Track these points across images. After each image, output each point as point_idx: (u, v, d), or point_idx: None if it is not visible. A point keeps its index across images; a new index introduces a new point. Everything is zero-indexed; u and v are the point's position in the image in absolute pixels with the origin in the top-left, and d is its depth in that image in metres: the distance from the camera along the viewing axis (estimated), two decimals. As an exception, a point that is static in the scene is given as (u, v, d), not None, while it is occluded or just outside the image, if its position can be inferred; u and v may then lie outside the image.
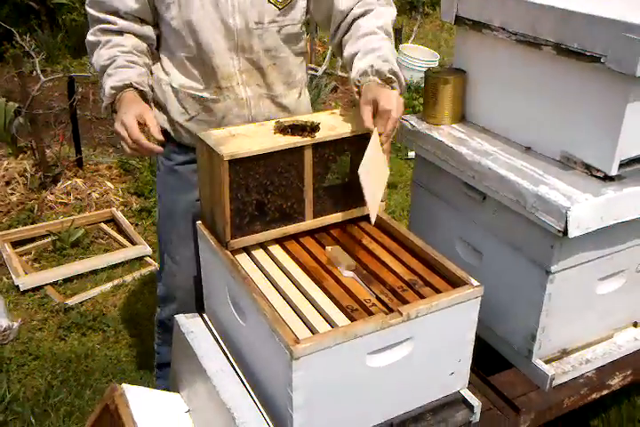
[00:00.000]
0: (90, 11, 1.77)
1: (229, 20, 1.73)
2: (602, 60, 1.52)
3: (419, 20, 6.37)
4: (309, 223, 1.70)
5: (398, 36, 6.22)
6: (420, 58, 5.06)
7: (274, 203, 1.63)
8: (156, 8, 1.77)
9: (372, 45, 1.68)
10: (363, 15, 1.76)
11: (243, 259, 1.65)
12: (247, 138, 1.58)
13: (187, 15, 1.72)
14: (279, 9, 1.76)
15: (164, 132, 1.77)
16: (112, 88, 1.69)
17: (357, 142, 1.66)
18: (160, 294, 2.18)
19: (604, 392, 1.88)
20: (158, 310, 2.21)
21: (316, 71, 5.36)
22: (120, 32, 1.77)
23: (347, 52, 1.75)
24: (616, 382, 1.88)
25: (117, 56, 1.73)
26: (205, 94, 1.83)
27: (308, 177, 1.63)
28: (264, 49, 1.80)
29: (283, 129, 1.62)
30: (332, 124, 1.66)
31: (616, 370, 1.88)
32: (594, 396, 1.85)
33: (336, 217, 1.74)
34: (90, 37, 1.78)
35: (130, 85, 1.70)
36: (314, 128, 1.62)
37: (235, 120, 1.84)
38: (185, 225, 2.01)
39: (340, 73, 5.59)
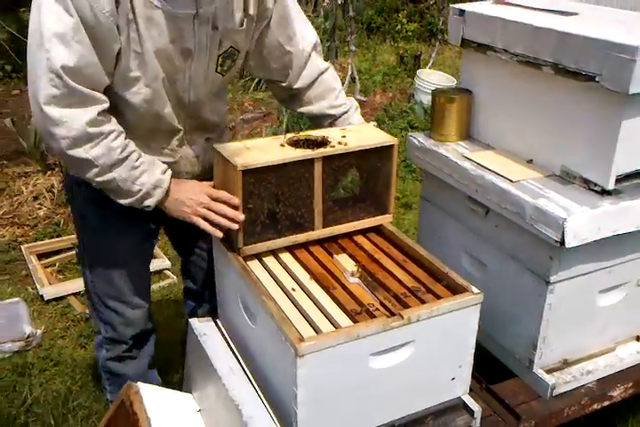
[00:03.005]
0: (75, 86, 1.49)
1: (184, 96, 1.72)
2: (597, 79, 1.60)
3: (437, 47, 6.48)
4: (319, 233, 1.78)
5: (416, 63, 6.35)
6: (437, 82, 5.16)
7: (285, 212, 1.71)
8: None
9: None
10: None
11: (254, 265, 1.73)
12: (261, 151, 1.67)
13: (149, 92, 1.63)
14: (223, 75, 1.77)
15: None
16: (161, 180, 1.65)
17: (366, 156, 1.75)
18: (107, 335, 2.03)
19: (605, 403, 1.91)
20: (104, 353, 2.08)
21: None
22: (108, 115, 1.59)
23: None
24: (617, 393, 1.91)
25: (128, 145, 1.62)
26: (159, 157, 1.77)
27: (317, 188, 1.71)
28: (210, 111, 1.84)
29: (295, 142, 1.72)
30: (343, 139, 1.75)
31: (617, 382, 1.92)
32: (595, 406, 1.89)
33: (346, 227, 1.82)
34: (90, 129, 1.52)
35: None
36: (325, 142, 1.72)
37: (185, 176, 1.85)
38: (135, 266, 1.96)
39: (358, 97, 5.71)
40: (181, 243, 2.17)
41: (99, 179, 1.60)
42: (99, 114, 1.54)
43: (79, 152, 1.54)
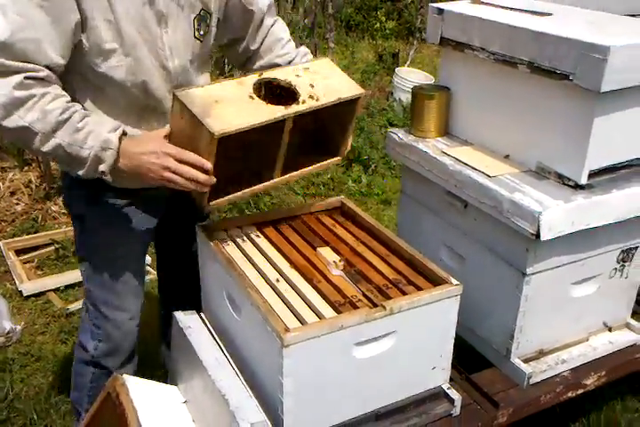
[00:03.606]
0: (9, 63, 1.41)
1: (168, 64, 1.66)
2: (570, 78, 1.65)
3: (415, 45, 6.54)
4: (278, 180, 1.75)
5: (395, 61, 6.40)
6: (415, 80, 5.22)
7: (249, 167, 1.69)
8: (78, 59, 1.55)
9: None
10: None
11: (239, 259, 1.76)
12: (232, 106, 1.55)
13: (130, 61, 1.58)
14: (201, 42, 1.73)
15: (91, 181, 1.64)
16: (108, 140, 1.50)
17: (333, 106, 1.70)
18: (102, 350, 1.95)
19: (580, 391, 1.97)
20: (91, 370, 1.99)
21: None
22: (46, 82, 1.48)
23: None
24: (591, 381, 1.98)
25: (70, 107, 1.49)
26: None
27: (284, 141, 1.65)
28: (194, 81, 1.78)
29: (264, 91, 1.62)
30: (312, 90, 1.67)
31: (591, 370, 1.98)
32: (569, 394, 1.95)
33: (300, 173, 1.80)
34: (17, 93, 1.42)
35: (124, 133, 1.55)
36: (295, 92, 1.64)
37: None
38: (133, 269, 1.91)
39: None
40: (167, 242, 2.13)
41: (44, 148, 1.47)
42: (26, 78, 1.42)
43: (14, 120, 1.43)
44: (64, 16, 1.45)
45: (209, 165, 1.50)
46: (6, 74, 1.41)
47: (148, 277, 3.32)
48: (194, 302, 2.02)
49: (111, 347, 1.94)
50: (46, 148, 1.47)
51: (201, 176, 1.51)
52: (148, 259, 3.44)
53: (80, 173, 1.53)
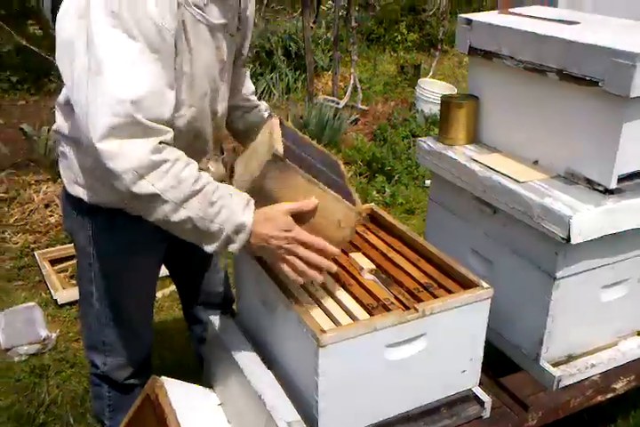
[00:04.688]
0: (140, 119, 1.34)
1: (218, 109, 1.69)
2: (599, 84, 1.68)
3: (437, 57, 6.59)
4: None
5: (417, 72, 6.46)
6: (437, 91, 5.26)
7: None
8: None
9: None
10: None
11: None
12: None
13: (194, 111, 1.58)
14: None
15: (109, 210, 1.66)
16: (243, 224, 1.44)
17: None
18: (111, 364, 1.92)
19: (609, 395, 1.98)
20: (105, 388, 1.97)
21: (338, 104, 5.58)
22: (172, 145, 1.43)
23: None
24: (620, 386, 1.99)
25: (202, 176, 1.43)
26: None
27: None
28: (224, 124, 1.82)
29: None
30: None
31: (620, 375, 1.99)
32: (599, 398, 1.96)
33: None
34: (153, 156, 1.35)
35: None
36: None
37: None
38: (145, 291, 1.91)
39: (360, 106, 5.80)
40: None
41: (173, 219, 1.40)
42: (160, 142, 1.38)
43: (144, 186, 1.35)
44: (171, 68, 1.44)
45: (335, 250, 1.51)
46: (145, 135, 1.35)
47: (169, 289, 3.41)
48: (216, 309, 2.08)
49: (121, 361, 1.93)
50: (175, 218, 1.40)
51: (324, 263, 1.51)
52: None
53: (207, 248, 1.48)
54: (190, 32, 1.48)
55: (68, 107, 1.58)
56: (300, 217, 1.48)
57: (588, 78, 1.71)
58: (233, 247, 1.47)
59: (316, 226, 1.50)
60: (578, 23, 1.94)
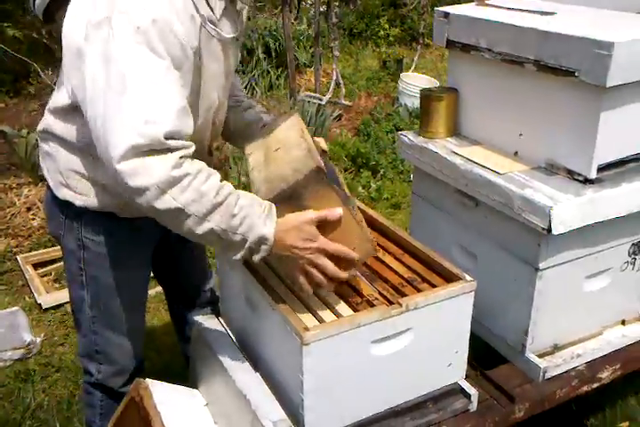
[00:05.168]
0: (164, 140, 1.33)
1: (216, 121, 1.71)
2: (576, 74, 1.68)
3: (418, 51, 6.59)
4: None
5: (399, 67, 6.45)
6: (420, 85, 5.26)
7: None
8: None
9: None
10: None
11: (257, 262, 1.78)
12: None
13: (199, 125, 1.59)
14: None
15: (97, 213, 1.67)
16: (265, 236, 1.43)
17: None
18: (105, 372, 1.92)
19: (595, 385, 1.98)
20: (98, 394, 1.97)
21: (321, 100, 5.56)
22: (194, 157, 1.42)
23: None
24: (606, 375, 1.99)
25: (223, 187, 1.41)
26: None
27: None
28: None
29: None
30: None
31: (606, 364, 2.00)
32: (585, 388, 1.96)
33: None
34: (174, 172, 1.33)
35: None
36: None
37: None
38: (137, 293, 1.89)
39: (343, 102, 5.79)
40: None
41: (198, 231, 1.40)
42: (181, 157, 1.36)
43: (167, 201, 1.34)
44: (188, 86, 1.46)
45: (355, 255, 1.51)
46: (166, 152, 1.34)
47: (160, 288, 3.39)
48: (202, 308, 2.07)
49: (115, 368, 1.93)
50: (199, 231, 1.40)
51: (342, 275, 1.52)
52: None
53: (232, 257, 1.48)
54: (204, 48, 1.48)
55: (66, 110, 1.58)
56: (321, 227, 1.48)
57: (564, 69, 1.71)
58: (256, 258, 1.47)
59: (333, 241, 1.50)
60: (554, 14, 1.94)
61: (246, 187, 3.05)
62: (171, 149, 1.34)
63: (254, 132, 1.81)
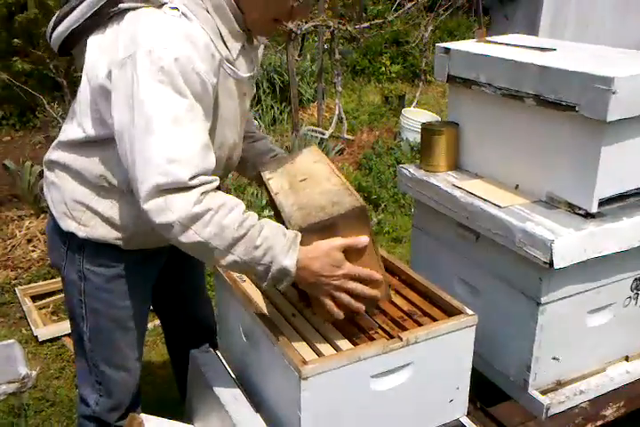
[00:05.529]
0: (187, 179, 1.36)
1: (232, 157, 1.71)
2: (576, 109, 1.69)
3: (420, 87, 6.66)
4: None
5: (401, 102, 6.51)
6: (422, 120, 5.30)
7: None
8: None
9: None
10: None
11: (256, 296, 1.76)
12: None
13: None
14: None
15: (99, 244, 1.67)
16: (286, 270, 1.43)
17: None
18: (103, 405, 1.88)
19: (599, 423, 1.95)
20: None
21: (324, 135, 5.60)
22: (217, 190, 1.45)
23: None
24: (610, 412, 1.96)
25: (246, 219, 1.42)
26: None
27: None
28: None
29: None
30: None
31: (609, 401, 1.96)
32: (589, 426, 1.93)
33: None
34: (195, 208, 1.36)
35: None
36: None
37: None
38: (138, 326, 1.84)
39: (346, 136, 5.83)
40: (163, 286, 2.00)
41: (222, 262, 1.43)
42: (202, 193, 1.38)
43: (191, 236, 1.37)
44: (209, 122, 1.48)
45: (379, 276, 1.53)
46: (186, 189, 1.37)
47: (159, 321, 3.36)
48: (201, 340, 2.05)
49: (113, 403, 1.90)
50: (224, 262, 1.43)
51: (371, 293, 1.53)
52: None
53: (262, 284, 1.50)
54: (221, 86, 1.51)
55: (78, 144, 1.60)
56: (347, 255, 1.50)
57: (564, 103, 1.72)
58: (281, 287, 1.49)
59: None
60: (554, 50, 1.96)
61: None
62: (193, 186, 1.37)
63: (265, 162, 1.85)
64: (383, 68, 7.58)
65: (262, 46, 1.78)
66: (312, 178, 1.64)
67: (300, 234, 1.46)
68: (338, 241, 1.47)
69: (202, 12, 1.47)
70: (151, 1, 1.44)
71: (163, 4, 1.44)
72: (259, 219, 1.45)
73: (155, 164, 1.35)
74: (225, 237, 1.39)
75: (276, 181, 1.70)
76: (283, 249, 1.42)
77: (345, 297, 1.50)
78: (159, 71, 1.35)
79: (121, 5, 1.47)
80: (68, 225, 1.67)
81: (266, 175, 1.75)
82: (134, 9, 1.46)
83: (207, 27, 1.47)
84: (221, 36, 1.51)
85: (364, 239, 1.49)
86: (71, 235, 1.68)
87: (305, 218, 1.50)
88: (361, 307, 1.54)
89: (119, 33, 1.45)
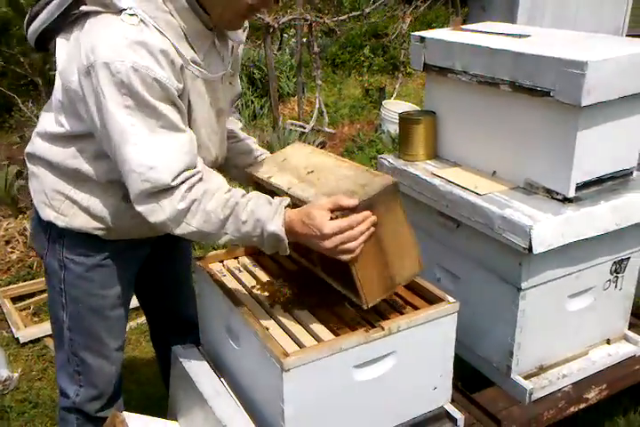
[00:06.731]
0: (169, 182, 1.45)
1: (215, 156, 1.73)
2: (551, 94, 1.70)
3: (400, 79, 6.66)
4: None
5: (382, 94, 6.51)
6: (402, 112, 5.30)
7: None
8: None
9: None
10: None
11: (236, 290, 1.76)
12: None
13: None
14: None
15: (79, 234, 1.69)
16: (274, 234, 1.47)
17: None
18: (83, 395, 1.89)
19: (582, 406, 1.96)
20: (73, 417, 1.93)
21: (305, 128, 5.59)
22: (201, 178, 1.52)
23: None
24: (592, 395, 1.97)
25: (229, 200, 1.49)
26: None
27: None
28: None
29: None
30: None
31: (592, 384, 1.98)
32: (572, 409, 1.94)
33: None
34: (180, 205, 1.46)
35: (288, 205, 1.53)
36: None
37: None
38: (118, 315, 1.86)
39: (327, 129, 5.82)
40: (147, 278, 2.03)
41: (222, 242, 1.53)
42: (187, 189, 1.47)
43: (185, 228, 1.49)
44: (185, 121, 1.53)
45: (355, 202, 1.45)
46: (171, 190, 1.46)
47: (143, 319, 3.33)
48: (186, 334, 2.04)
49: (94, 393, 1.89)
50: (222, 242, 1.54)
51: (364, 227, 1.46)
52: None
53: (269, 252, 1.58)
54: (190, 88, 1.53)
55: (56, 137, 1.63)
56: (381, 241, 1.52)
57: (539, 89, 1.73)
58: (281, 252, 1.53)
59: (388, 254, 1.56)
60: (528, 36, 1.96)
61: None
62: (177, 186, 1.46)
63: (249, 162, 1.87)
64: (366, 62, 7.57)
65: (242, 45, 1.78)
66: (319, 169, 1.66)
67: (287, 199, 1.53)
68: (322, 201, 1.48)
69: (163, 16, 1.47)
70: (110, 6, 1.44)
71: (122, 11, 1.44)
72: (246, 193, 1.52)
73: (137, 172, 1.44)
74: (213, 222, 1.48)
75: (279, 178, 1.69)
76: (268, 216, 1.48)
77: (354, 245, 1.44)
78: (120, 84, 1.39)
79: (82, 8, 1.49)
80: (47, 214, 1.69)
81: (263, 175, 1.74)
82: (95, 14, 1.47)
83: (169, 30, 1.47)
84: (186, 38, 1.51)
85: (351, 200, 1.45)
86: (51, 224, 1.71)
87: None
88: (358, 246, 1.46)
89: (81, 40, 1.47)
